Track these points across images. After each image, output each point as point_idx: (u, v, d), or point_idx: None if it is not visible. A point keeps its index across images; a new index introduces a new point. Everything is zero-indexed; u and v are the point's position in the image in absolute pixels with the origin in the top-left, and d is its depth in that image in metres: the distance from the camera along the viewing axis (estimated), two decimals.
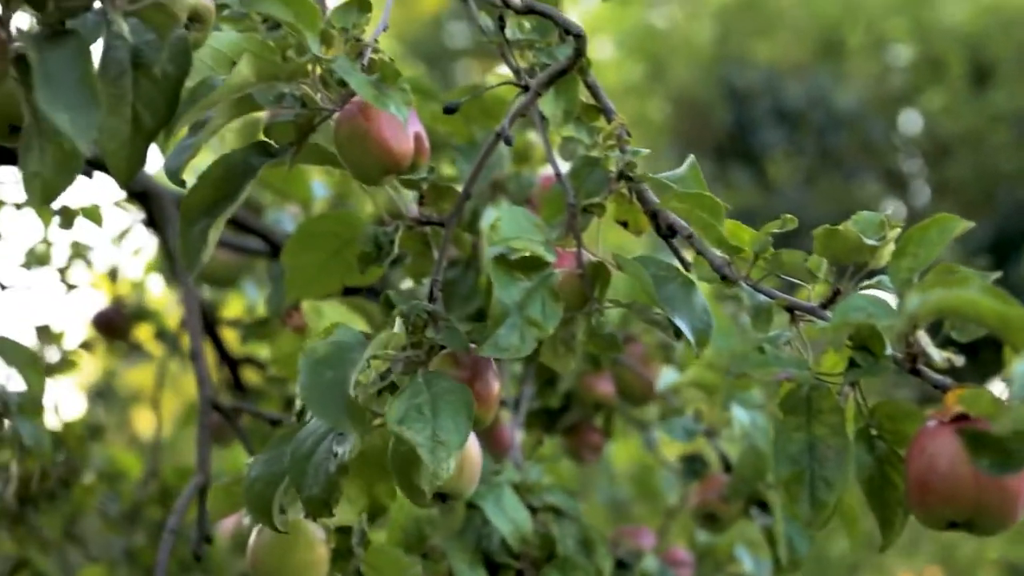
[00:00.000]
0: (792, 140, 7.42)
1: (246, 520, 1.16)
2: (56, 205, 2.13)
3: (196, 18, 1.06)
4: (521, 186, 1.68)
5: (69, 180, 0.92)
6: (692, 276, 1.11)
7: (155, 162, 2.17)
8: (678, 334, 1.08)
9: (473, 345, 1.08)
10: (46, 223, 2.26)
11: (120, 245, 2.37)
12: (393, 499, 1.16)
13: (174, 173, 1.07)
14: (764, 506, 1.67)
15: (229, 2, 1.22)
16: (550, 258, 1.10)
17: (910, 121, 8.21)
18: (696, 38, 7.60)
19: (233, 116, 1.13)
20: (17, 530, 1.96)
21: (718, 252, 1.08)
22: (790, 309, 1.05)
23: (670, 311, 1.07)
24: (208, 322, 2.14)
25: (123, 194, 2.04)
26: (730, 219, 1.07)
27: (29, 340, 2.32)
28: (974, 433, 0.84)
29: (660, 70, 7.27)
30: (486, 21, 1.36)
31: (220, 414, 1.61)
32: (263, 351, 2.28)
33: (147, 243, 2.49)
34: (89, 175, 1.62)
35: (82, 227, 2.18)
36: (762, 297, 1.05)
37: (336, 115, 1.08)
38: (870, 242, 1.02)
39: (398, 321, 1.04)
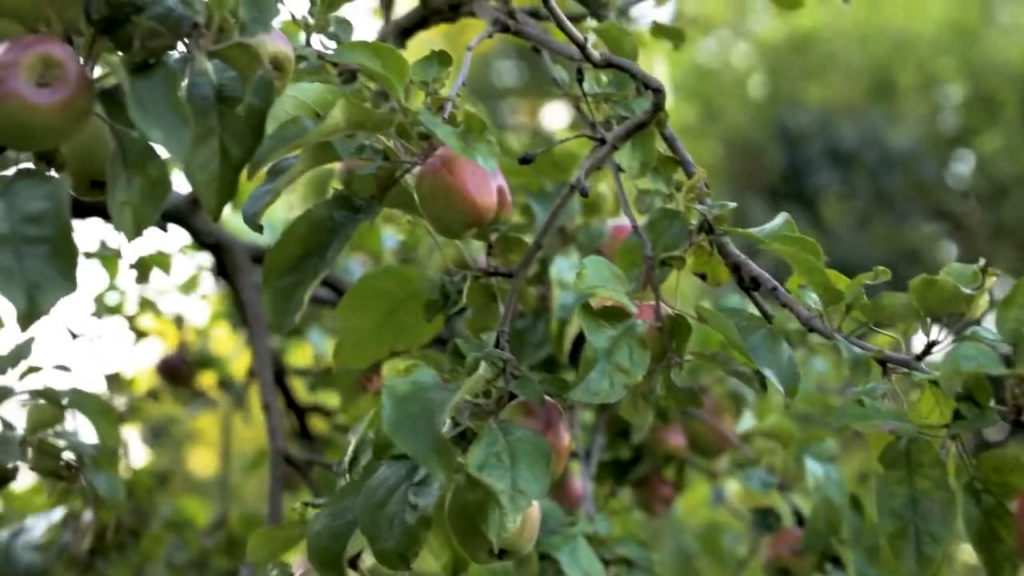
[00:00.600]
0: (845, 181, 7.38)
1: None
2: (132, 258, 2.15)
3: (276, 66, 1.06)
4: (591, 236, 1.68)
5: (158, 208, 0.93)
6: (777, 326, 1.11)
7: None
8: (764, 385, 1.08)
9: (547, 397, 1.08)
10: (113, 274, 2.28)
11: (188, 293, 2.39)
12: None
13: (251, 219, 1.07)
14: (837, 561, 1.65)
15: (306, 54, 1.23)
16: (633, 308, 1.10)
17: (964, 161, 8.16)
18: (748, 80, 7.61)
19: (312, 165, 1.14)
20: None
21: (811, 301, 1.07)
22: (883, 361, 1.04)
23: (757, 361, 1.07)
24: (275, 370, 2.15)
25: (189, 240, 2.05)
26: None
27: (98, 388, 2.34)
28: None
29: (713, 112, 7.27)
30: (560, 73, 1.36)
31: (291, 466, 1.61)
32: (330, 399, 2.29)
33: (212, 288, 2.51)
34: (164, 228, 1.63)
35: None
36: (858, 349, 1.04)
37: (418, 168, 1.08)
38: (967, 292, 1.01)
39: (483, 364, 1.03)
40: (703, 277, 1.20)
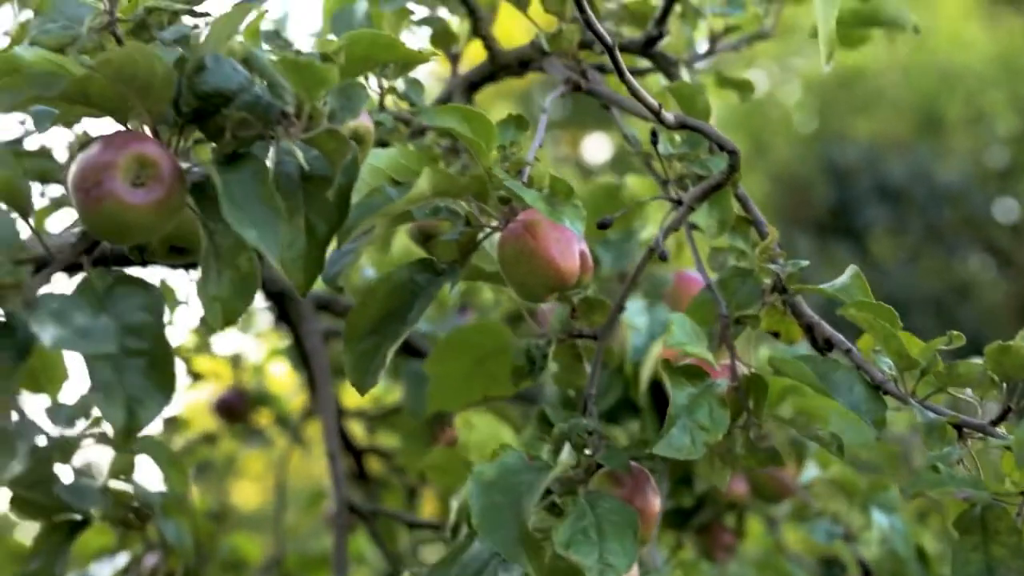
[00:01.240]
0: (894, 216, 7.35)
1: None
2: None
3: (356, 138, 1.08)
4: (655, 284, 1.69)
5: (247, 303, 0.94)
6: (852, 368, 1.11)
7: None
8: (841, 449, 1.08)
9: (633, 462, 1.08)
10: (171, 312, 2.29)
11: (245, 332, 2.41)
12: None
13: (332, 280, 1.09)
14: None
15: (382, 119, 1.25)
16: (716, 367, 1.11)
17: (1014, 195, 8.11)
18: (796, 115, 7.60)
19: (392, 226, 1.16)
20: None
21: (885, 366, 1.07)
22: (959, 427, 1.04)
23: (837, 397, 1.07)
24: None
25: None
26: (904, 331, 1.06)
27: (154, 429, 2.36)
28: None
29: (761, 147, 7.26)
30: (631, 131, 1.37)
31: (356, 515, 1.62)
32: (387, 440, 2.30)
33: (268, 326, 2.52)
34: None
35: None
36: (932, 414, 1.04)
37: (500, 232, 1.09)
38: None
39: (567, 448, 1.04)
40: (776, 335, 1.21)
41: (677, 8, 1.43)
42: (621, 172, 1.78)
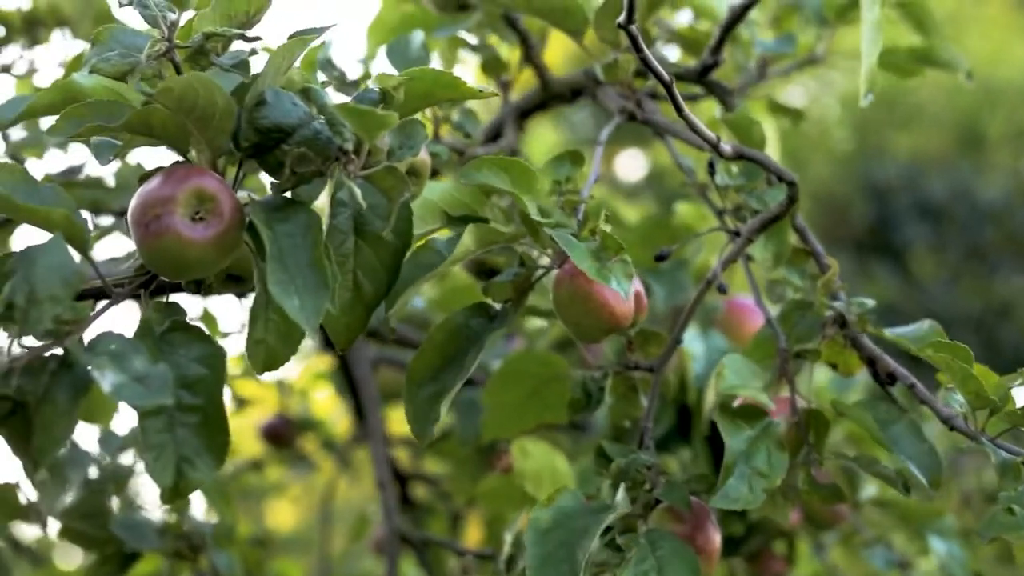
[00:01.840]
0: (934, 234, 7.30)
1: None
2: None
3: (412, 172, 1.07)
4: (706, 311, 1.67)
5: (292, 351, 0.93)
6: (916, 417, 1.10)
7: None
8: (907, 487, 1.07)
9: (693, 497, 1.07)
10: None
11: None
12: None
13: (384, 323, 1.08)
14: None
15: (438, 151, 1.24)
16: (771, 406, 1.10)
17: None
18: (834, 133, 7.56)
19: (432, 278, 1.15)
20: None
21: (956, 404, 1.05)
22: None
23: (898, 453, 1.06)
24: None
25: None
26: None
27: None
28: None
29: (799, 164, 7.22)
30: (686, 160, 1.36)
31: (408, 545, 1.61)
32: (432, 466, 2.29)
33: (311, 351, 2.52)
34: None
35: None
36: (1006, 453, 1.02)
37: (555, 273, 1.08)
38: None
39: (622, 491, 1.04)
40: (834, 367, 1.20)
41: None
42: (658, 194, 1.78)
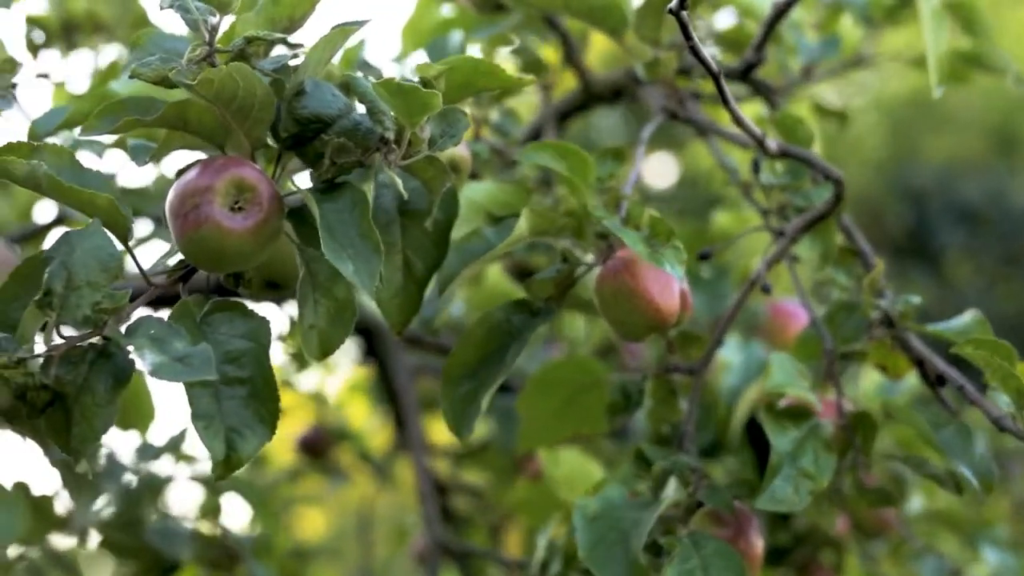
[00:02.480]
0: (970, 238, 7.24)
1: None
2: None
3: (453, 167, 1.06)
4: (747, 314, 1.65)
5: (345, 332, 0.92)
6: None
7: None
8: (959, 488, 1.04)
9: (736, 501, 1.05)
10: None
11: (328, 369, 2.39)
12: None
13: (430, 321, 1.06)
14: None
15: (479, 150, 1.23)
16: (818, 406, 1.08)
17: None
18: (869, 137, 7.51)
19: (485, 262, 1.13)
20: None
21: (1003, 404, 1.03)
22: None
23: (950, 457, 1.04)
24: None
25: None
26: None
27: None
28: None
29: None
30: (729, 160, 1.34)
31: (450, 556, 1.59)
32: (470, 476, 2.27)
33: (349, 363, 2.51)
34: None
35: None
36: None
37: (598, 270, 1.06)
38: None
39: (672, 484, 1.01)
40: (883, 369, 1.17)
41: None
42: (690, 200, 1.76)
